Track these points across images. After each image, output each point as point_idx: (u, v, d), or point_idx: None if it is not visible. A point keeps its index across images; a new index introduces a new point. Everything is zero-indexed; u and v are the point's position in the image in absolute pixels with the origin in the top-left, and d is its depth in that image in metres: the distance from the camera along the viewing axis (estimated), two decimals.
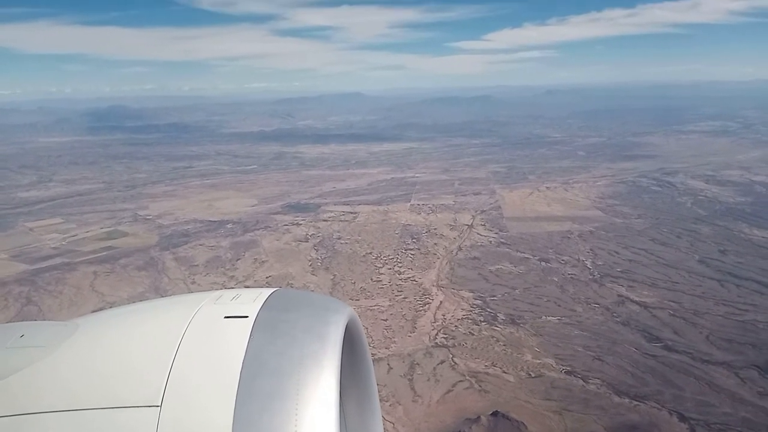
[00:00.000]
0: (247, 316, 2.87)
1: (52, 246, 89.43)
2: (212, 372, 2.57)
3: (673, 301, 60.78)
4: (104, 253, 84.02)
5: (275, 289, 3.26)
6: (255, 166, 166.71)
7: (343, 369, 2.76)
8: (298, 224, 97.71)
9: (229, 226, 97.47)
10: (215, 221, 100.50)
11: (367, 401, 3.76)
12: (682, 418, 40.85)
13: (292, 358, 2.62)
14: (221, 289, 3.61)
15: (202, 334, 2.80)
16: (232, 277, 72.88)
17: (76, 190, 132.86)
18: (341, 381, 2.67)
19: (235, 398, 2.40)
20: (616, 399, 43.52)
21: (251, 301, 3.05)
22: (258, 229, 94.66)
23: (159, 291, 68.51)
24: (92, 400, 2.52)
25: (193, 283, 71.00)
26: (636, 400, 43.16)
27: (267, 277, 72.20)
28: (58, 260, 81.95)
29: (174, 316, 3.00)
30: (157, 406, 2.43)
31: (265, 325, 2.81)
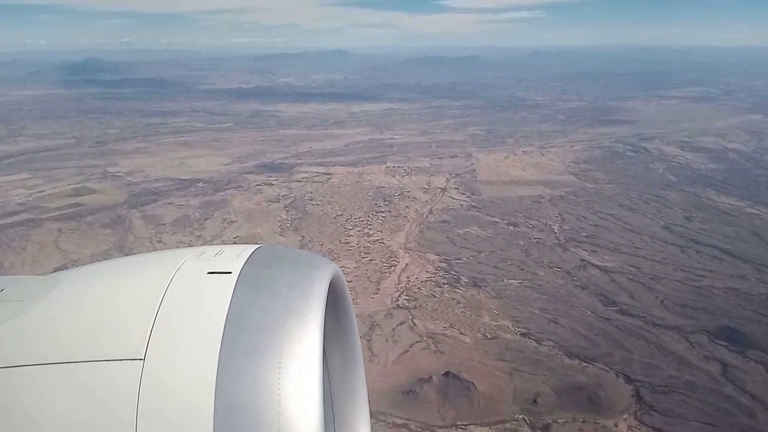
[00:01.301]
0: (230, 272, 2.83)
1: (18, 202, 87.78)
2: (195, 326, 2.56)
3: (633, 266, 61.82)
4: (70, 210, 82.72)
5: (259, 245, 3.21)
6: (231, 124, 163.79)
7: (327, 324, 2.76)
8: (270, 184, 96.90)
9: (200, 184, 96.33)
10: (186, 180, 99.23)
11: (350, 356, 3.79)
12: (628, 380, 42.00)
13: (276, 313, 2.60)
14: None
15: (185, 289, 2.78)
16: (200, 236, 72.45)
17: (46, 145, 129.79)
18: (325, 336, 2.68)
19: (218, 352, 2.39)
20: (567, 360, 44.57)
21: (235, 257, 3.01)
22: (229, 189, 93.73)
23: (124, 249, 67.96)
24: (74, 353, 2.50)
25: (159, 242, 70.48)
26: (585, 362, 44.24)
27: (234, 237, 71.92)
28: (23, 216, 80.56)
29: (156, 272, 2.95)
30: (141, 359, 2.42)
31: (249, 281, 2.78)
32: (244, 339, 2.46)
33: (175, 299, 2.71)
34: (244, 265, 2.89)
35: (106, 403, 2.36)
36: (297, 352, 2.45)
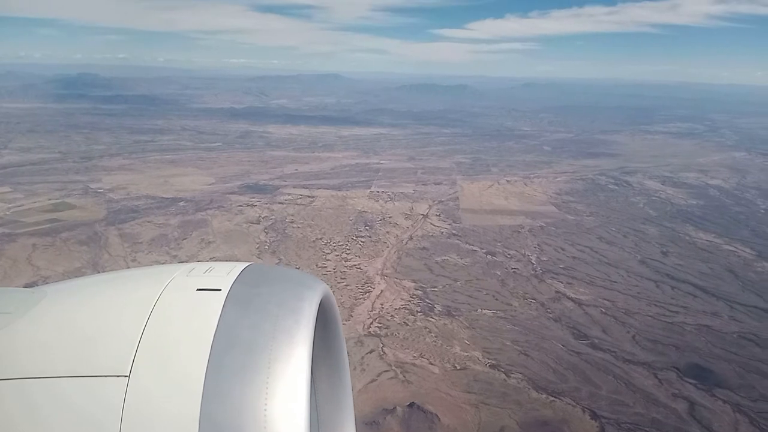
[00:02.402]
0: (220, 289, 2.82)
1: None
2: (183, 344, 2.54)
3: (607, 300, 61.82)
4: (47, 225, 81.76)
5: (249, 263, 3.22)
6: (219, 144, 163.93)
7: (315, 344, 2.74)
8: (252, 205, 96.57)
9: (181, 203, 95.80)
10: (168, 198, 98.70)
11: (338, 378, 3.77)
12: (594, 416, 41.62)
13: (265, 332, 2.58)
14: None
15: (173, 306, 2.76)
16: (175, 256, 71.76)
17: (30, 159, 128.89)
18: (314, 356, 2.65)
19: (205, 371, 2.37)
20: (534, 394, 44.13)
21: (225, 274, 3.00)
22: (210, 209, 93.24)
23: (97, 267, 67.11)
24: (59, 368, 2.48)
25: (134, 260, 69.71)
26: (553, 396, 43.84)
27: (210, 258, 71.23)
28: None
29: (145, 287, 2.95)
30: (126, 376, 2.40)
31: (238, 299, 2.77)
32: (232, 358, 2.43)
33: (162, 316, 2.67)
34: (233, 283, 2.88)
35: (89, 419, 2.32)
36: (285, 372, 2.41)
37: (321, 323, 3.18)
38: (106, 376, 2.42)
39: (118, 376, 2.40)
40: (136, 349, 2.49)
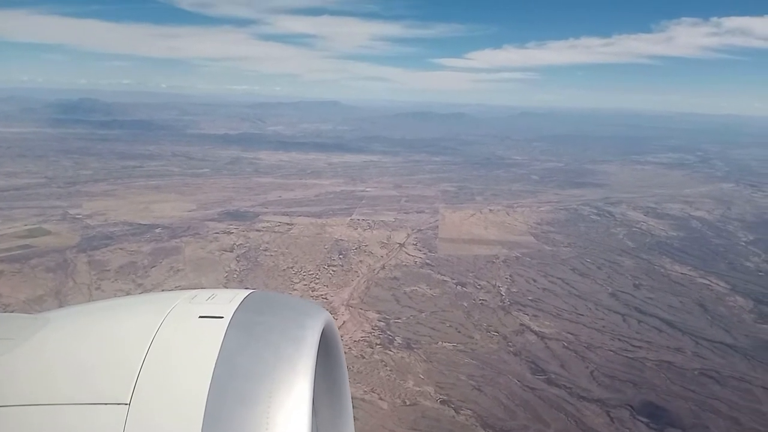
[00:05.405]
0: (222, 317, 2.82)
1: None
2: (184, 372, 2.52)
3: (571, 333, 61.05)
4: (19, 251, 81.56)
5: (252, 290, 3.23)
6: (207, 170, 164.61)
7: (317, 374, 2.71)
8: (229, 233, 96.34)
9: (157, 230, 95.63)
10: (145, 225, 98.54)
11: (340, 407, 3.75)
12: None
13: (267, 360, 2.56)
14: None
15: (175, 333, 2.75)
16: (140, 285, 71.28)
17: (14, 184, 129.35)
18: (315, 385, 2.61)
19: (206, 399, 2.35)
20: None
21: (227, 301, 3.01)
22: (186, 236, 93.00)
23: (59, 295, 66.58)
24: (60, 395, 2.47)
25: (98, 289, 69.21)
26: None
27: (176, 287, 70.75)
28: None
29: (147, 314, 2.94)
30: (126, 403, 2.38)
31: (240, 327, 2.76)
32: (233, 387, 2.40)
33: (164, 343, 2.65)
34: (236, 311, 2.87)
35: None
36: (286, 402, 2.37)
37: (323, 351, 3.14)
38: (106, 404, 2.38)
39: (118, 403, 2.37)
40: (137, 376, 2.46)
